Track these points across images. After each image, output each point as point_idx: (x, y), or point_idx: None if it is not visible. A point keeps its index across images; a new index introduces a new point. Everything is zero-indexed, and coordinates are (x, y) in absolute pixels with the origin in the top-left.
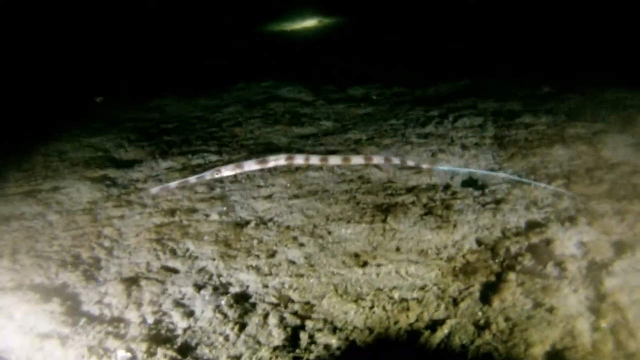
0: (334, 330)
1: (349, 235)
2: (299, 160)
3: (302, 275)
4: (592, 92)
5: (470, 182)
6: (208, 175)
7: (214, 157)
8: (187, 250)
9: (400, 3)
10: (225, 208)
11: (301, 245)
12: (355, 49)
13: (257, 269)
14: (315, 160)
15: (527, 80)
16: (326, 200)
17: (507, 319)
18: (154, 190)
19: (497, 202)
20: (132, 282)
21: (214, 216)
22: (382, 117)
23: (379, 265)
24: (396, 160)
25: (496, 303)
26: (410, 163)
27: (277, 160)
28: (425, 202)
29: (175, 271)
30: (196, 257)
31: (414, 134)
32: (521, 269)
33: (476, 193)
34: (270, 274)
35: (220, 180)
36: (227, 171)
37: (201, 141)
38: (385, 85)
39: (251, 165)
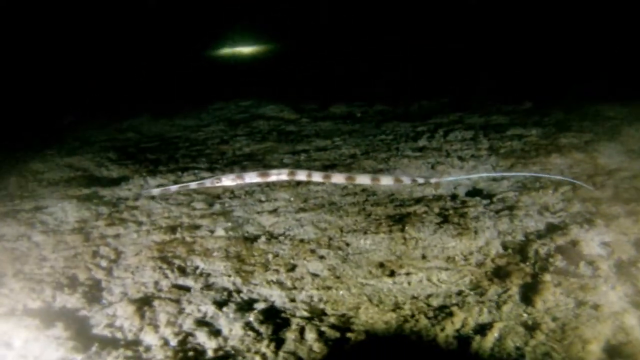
0: (379, 340)
1: (369, 245)
2: (301, 176)
3: (330, 288)
4: (572, 105)
5: (476, 192)
6: (208, 183)
7: (205, 174)
8: (197, 267)
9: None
10: (230, 223)
11: (321, 257)
12: (317, 72)
13: (280, 284)
14: (317, 177)
15: (508, 96)
16: (335, 212)
17: (554, 319)
18: (155, 191)
19: (510, 208)
20: (142, 302)
21: (220, 232)
22: (370, 132)
23: (408, 274)
24: (407, 180)
25: (539, 304)
26: (421, 180)
27: (280, 175)
28: (438, 211)
29: (188, 289)
30: (209, 274)
31: (408, 148)
32: (555, 269)
33: (485, 202)
34: (295, 287)
35: (218, 196)
36: (227, 181)
37: (189, 159)
38: (367, 103)
39: (252, 177)
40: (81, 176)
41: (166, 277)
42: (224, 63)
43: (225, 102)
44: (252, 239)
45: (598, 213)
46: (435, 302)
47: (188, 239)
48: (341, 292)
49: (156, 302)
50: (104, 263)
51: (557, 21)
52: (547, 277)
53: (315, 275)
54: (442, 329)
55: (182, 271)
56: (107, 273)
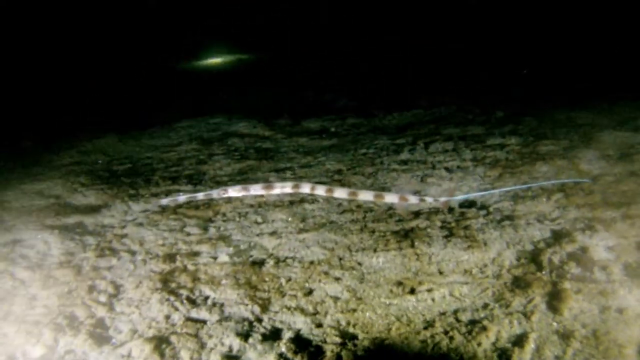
0: None
1: (382, 264)
2: (305, 189)
3: (355, 310)
4: (542, 114)
5: (470, 203)
6: (215, 194)
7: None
8: (207, 297)
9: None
10: (232, 248)
11: (337, 279)
12: (285, 81)
13: (301, 309)
14: (320, 191)
15: (478, 106)
16: (338, 231)
17: (584, 325)
18: (164, 201)
19: (509, 218)
20: (159, 339)
21: (223, 257)
22: (350, 147)
23: (429, 291)
24: (414, 200)
25: (565, 312)
26: (429, 200)
27: (284, 188)
28: (441, 225)
29: (204, 322)
30: (222, 304)
31: (393, 162)
32: (572, 277)
33: (482, 212)
34: (318, 312)
35: (210, 220)
36: (233, 192)
37: (169, 181)
38: (339, 117)
39: (257, 190)
40: (55, 204)
41: (176, 309)
42: (188, 76)
43: (193, 120)
44: (259, 264)
45: (595, 219)
46: (464, 317)
47: (190, 266)
48: (367, 314)
49: (173, 338)
50: (102, 298)
51: (537, 30)
52: (567, 284)
53: (335, 298)
54: (479, 344)
55: (193, 302)
56: (109, 309)
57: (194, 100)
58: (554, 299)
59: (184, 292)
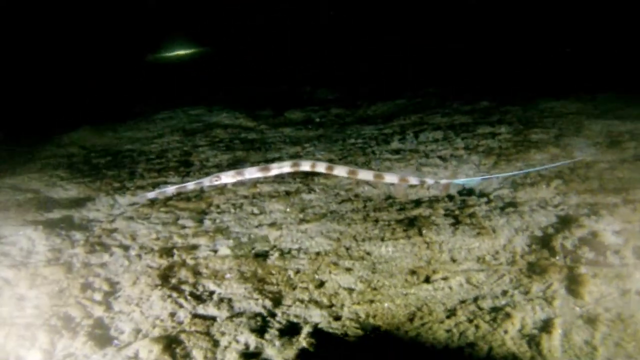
0: (448, 350)
1: (392, 253)
2: (305, 167)
3: (372, 301)
4: (526, 103)
5: (469, 192)
6: (207, 182)
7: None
8: (213, 292)
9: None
10: (231, 241)
11: (348, 270)
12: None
13: (315, 302)
14: (321, 168)
15: (461, 97)
16: (341, 221)
17: (607, 309)
18: (151, 194)
19: (512, 205)
20: (167, 339)
21: (224, 250)
22: (337, 137)
23: (445, 279)
24: (415, 181)
25: (586, 296)
26: (430, 181)
27: (282, 168)
28: (444, 212)
29: (213, 319)
30: (230, 299)
31: (385, 151)
32: (587, 261)
33: (484, 200)
34: (334, 304)
35: (204, 212)
36: (227, 178)
37: (155, 173)
38: (322, 107)
39: (253, 173)
40: (34, 198)
41: (181, 306)
42: (162, 67)
43: (172, 111)
44: (263, 256)
45: (597, 204)
46: (485, 305)
47: (189, 261)
48: (386, 305)
49: (183, 337)
50: (98, 296)
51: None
52: (583, 269)
53: (349, 289)
54: (506, 331)
55: (198, 298)
56: (107, 308)
57: (170, 91)
58: (573, 284)
59: (187, 288)
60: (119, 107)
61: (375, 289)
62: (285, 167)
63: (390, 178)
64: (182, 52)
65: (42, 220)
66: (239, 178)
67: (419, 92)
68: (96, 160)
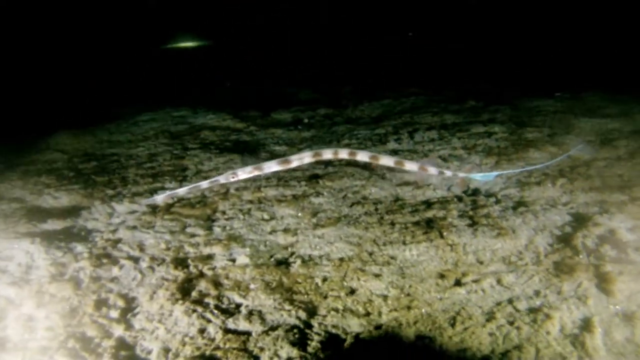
0: (495, 354)
1: (417, 256)
2: (328, 155)
3: (409, 307)
4: (513, 102)
5: (475, 191)
6: (223, 179)
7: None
8: (239, 305)
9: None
10: (248, 249)
11: (376, 276)
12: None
13: (351, 311)
14: (344, 154)
15: (447, 96)
16: (356, 225)
17: None
18: (159, 198)
19: (523, 204)
20: (203, 359)
21: (242, 259)
22: (330, 138)
23: (476, 281)
24: (434, 171)
25: (617, 294)
26: (448, 173)
27: (302, 160)
28: (458, 214)
29: (248, 333)
30: (260, 312)
31: (383, 152)
32: (611, 259)
33: (492, 200)
34: (370, 312)
35: (210, 219)
36: (244, 174)
37: (149, 178)
38: (309, 108)
39: (272, 166)
40: (21, 208)
41: (209, 321)
42: (153, 61)
43: (154, 113)
44: (285, 264)
45: (605, 202)
46: (521, 306)
47: (207, 271)
48: (424, 310)
49: (220, 355)
50: (114, 314)
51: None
52: (608, 267)
53: (383, 296)
54: (548, 332)
55: (225, 312)
56: (127, 326)
57: (152, 91)
58: (602, 282)
59: (211, 301)
60: (95, 109)
61: (408, 294)
62: (306, 158)
63: (410, 166)
64: (184, 44)
65: (38, 232)
66: (257, 173)
67: (404, 92)
68: (81, 166)
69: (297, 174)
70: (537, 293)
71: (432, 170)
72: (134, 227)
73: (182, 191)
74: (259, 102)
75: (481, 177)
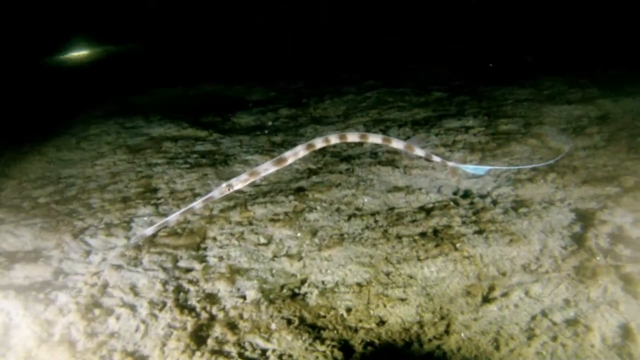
0: None
1: (437, 273)
2: (320, 143)
3: (447, 332)
4: (476, 92)
5: (467, 193)
6: (217, 194)
7: (156, 219)
8: (266, 350)
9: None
10: (255, 281)
11: (403, 300)
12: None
13: (389, 344)
14: (335, 139)
15: (408, 88)
16: (363, 243)
17: None
18: (148, 231)
19: (522, 205)
20: None
21: (252, 294)
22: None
23: (505, 295)
24: (420, 152)
25: None
26: (436, 159)
27: (297, 154)
28: (462, 220)
29: None
30: (291, 355)
31: (362, 155)
32: (628, 259)
33: (489, 201)
34: (409, 343)
35: (203, 247)
36: (239, 183)
37: (119, 204)
38: (268, 108)
39: (268, 168)
40: None
41: None
42: (61, 73)
43: (103, 124)
44: (300, 295)
45: (600, 195)
46: (557, 318)
47: (218, 313)
48: (463, 335)
49: None
50: None
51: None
52: (628, 268)
53: (418, 323)
54: (592, 345)
55: None
56: None
57: (86, 100)
58: (627, 284)
59: (232, 350)
60: (34, 123)
61: (442, 317)
62: (300, 152)
63: (396, 144)
64: (81, 52)
65: (7, 283)
66: (254, 179)
67: (362, 85)
68: (36, 193)
69: (281, 186)
70: (567, 302)
71: (418, 151)
72: (120, 266)
73: (173, 218)
74: (213, 105)
75: (473, 169)
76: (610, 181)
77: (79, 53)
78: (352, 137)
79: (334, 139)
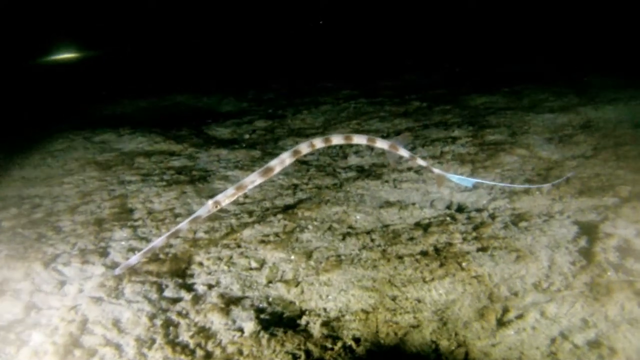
0: None
1: (446, 295)
2: (305, 149)
3: None
4: (455, 101)
5: (460, 207)
6: (204, 212)
7: (135, 242)
8: None
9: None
10: (251, 312)
11: (415, 327)
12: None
13: None
14: (320, 143)
15: (387, 97)
16: (362, 264)
17: None
18: (133, 260)
19: (522, 219)
20: None
21: (250, 325)
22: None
23: (520, 318)
24: (405, 153)
25: None
26: (421, 162)
27: (283, 162)
28: (463, 237)
29: None
30: None
31: (347, 169)
32: (638, 272)
33: (486, 215)
34: None
35: (189, 274)
36: (226, 199)
37: (93, 226)
38: (242, 120)
39: (255, 180)
40: None
41: None
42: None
43: (69, 139)
44: (301, 325)
45: (599, 207)
46: (578, 340)
47: (214, 349)
48: None
49: None
50: None
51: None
52: None
53: (434, 351)
54: None
55: None
56: None
57: (51, 110)
58: None
59: None
60: None
61: (459, 345)
62: (287, 160)
63: (381, 144)
64: (49, 58)
65: None
66: (241, 193)
67: (338, 96)
68: None
69: (267, 204)
70: (585, 322)
71: (403, 152)
72: (99, 299)
73: (158, 243)
74: (184, 117)
75: (458, 180)
76: (606, 191)
77: (47, 58)
78: (337, 140)
79: (319, 143)
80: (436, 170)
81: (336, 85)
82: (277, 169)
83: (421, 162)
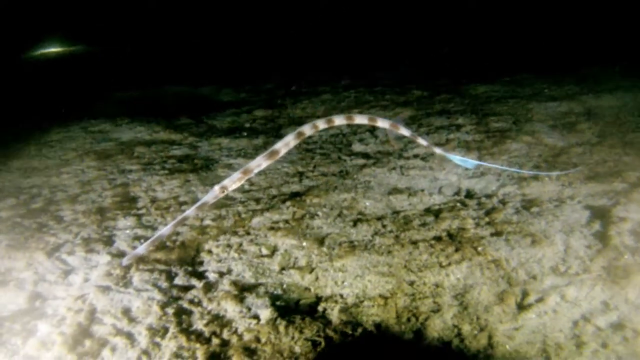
0: None
1: (464, 280)
2: (309, 130)
3: (491, 346)
4: (456, 90)
5: (469, 193)
6: (211, 198)
7: (140, 231)
8: None
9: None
10: (267, 299)
11: (435, 312)
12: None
13: None
14: (323, 124)
15: (387, 87)
16: (376, 250)
17: None
18: (140, 249)
19: (534, 204)
20: None
21: (266, 313)
22: None
23: (540, 301)
24: (405, 132)
25: None
26: (422, 142)
27: (288, 144)
28: (476, 222)
29: None
30: None
31: (352, 156)
32: None
33: (496, 200)
34: (452, 358)
35: (199, 261)
36: (233, 184)
37: (95, 215)
38: (241, 109)
39: (261, 164)
40: None
41: None
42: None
43: (66, 129)
44: (319, 312)
45: (610, 191)
46: (601, 323)
47: (230, 337)
48: (508, 347)
49: None
50: None
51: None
52: None
53: (457, 336)
54: None
55: None
56: None
57: (46, 102)
58: None
59: None
60: None
61: (482, 329)
62: (291, 142)
63: (382, 123)
64: (42, 51)
65: None
66: (248, 177)
67: (338, 85)
68: None
69: (273, 192)
70: (606, 305)
71: (404, 131)
72: (107, 288)
73: (166, 231)
74: (182, 107)
75: (460, 161)
76: (615, 177)
77: (40, 52)
78: (339, 121)
79: (322, 124)
80: (437, 150)
81: (335, 75)
82: (283, 151)
83: (422, 141)
